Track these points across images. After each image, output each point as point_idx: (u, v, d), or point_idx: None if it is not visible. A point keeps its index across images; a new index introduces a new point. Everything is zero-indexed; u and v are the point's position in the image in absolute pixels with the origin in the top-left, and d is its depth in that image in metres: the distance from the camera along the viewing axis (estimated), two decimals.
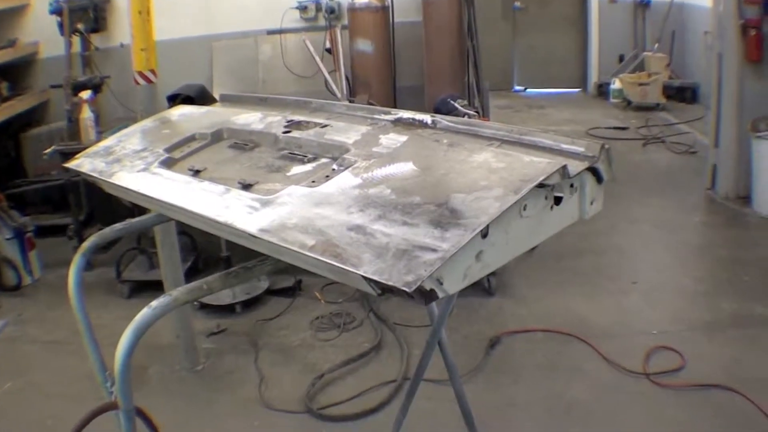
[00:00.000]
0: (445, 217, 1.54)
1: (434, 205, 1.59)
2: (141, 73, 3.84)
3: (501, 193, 1.60)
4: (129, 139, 2.56)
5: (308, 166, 2.04)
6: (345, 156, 1.97)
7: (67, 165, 2.52)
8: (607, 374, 3.87)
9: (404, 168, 1.81)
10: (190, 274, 4.81)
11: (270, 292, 4.98)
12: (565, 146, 1.81)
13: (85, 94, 5.75)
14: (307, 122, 2.31)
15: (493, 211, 1.54)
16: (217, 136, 2.41)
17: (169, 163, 2.27)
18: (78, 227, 5.63)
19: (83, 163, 2.46)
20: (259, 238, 1.66)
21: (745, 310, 4.40)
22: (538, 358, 4.12)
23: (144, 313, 1.76)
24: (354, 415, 3.63)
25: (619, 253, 5.47)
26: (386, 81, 6.56)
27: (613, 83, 10.64)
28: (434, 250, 1.44)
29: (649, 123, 9.20)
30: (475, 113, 5.22)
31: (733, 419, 3.39)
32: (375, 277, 1.41)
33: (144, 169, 2.24)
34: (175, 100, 5.01)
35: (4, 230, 5.33)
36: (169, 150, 2.35)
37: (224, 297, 4.76)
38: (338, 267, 1.47)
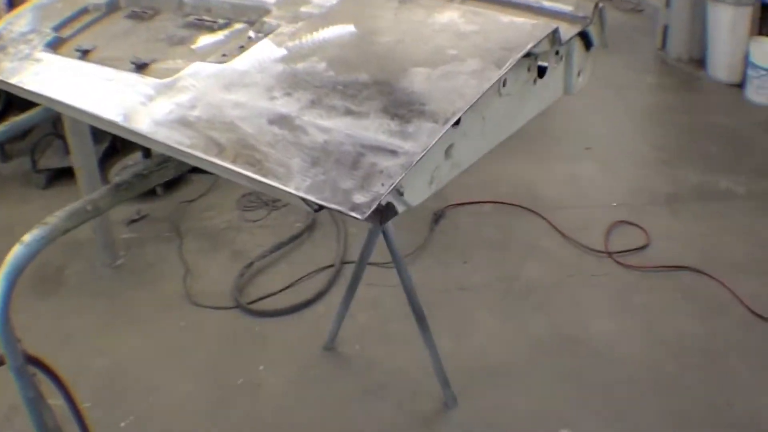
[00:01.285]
0: (404, 101, 1.11)
1: (387, 85, 1.15)
2: None
3: (478, 66, 1.18)
4: (18, 20, 2.11)
5: (219, 35, 1.60)
6: (264, 19, 1.52)
7: None
8: (566, 252, 3.55)
9: (343, 32, 1.37)
10: (107, 158, 4.36)
11: (194, 169, 4.45)
12: (548, 4, 1.39)
13: None
14: None
15: (470, 92, 1.12)
16: (112, 5, 1.97)
17: (55, 45, 1.85)
18: None
19: None
20: (151, 138, 1.23)
21: (708, 182, 4.10)
22: (488, 234, 3.76)
23: (16, 252, 1.36)
24: (289, 308, 3.27)
25: (568, 115, 5.00)
26: None
27: None
28: (393, 153, 1.02)
29: None
30: None
31: (705, 304, 3.13)
32: (311, 198, 0.99)
33: (27, 56, 1.81)
34: None
35: None
36: (57, 28, 1.92)
37: None
38: (257, 180, 1.05)
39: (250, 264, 3.53)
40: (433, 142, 1.02)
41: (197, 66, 1.39)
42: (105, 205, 1.42)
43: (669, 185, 4.10)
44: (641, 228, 3.67)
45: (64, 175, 4.37)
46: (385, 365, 2.93)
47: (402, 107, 1.09)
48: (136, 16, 1.88)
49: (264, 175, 1.03)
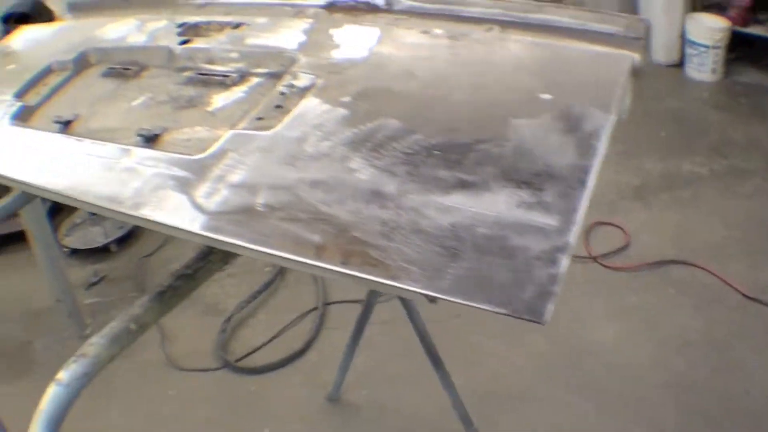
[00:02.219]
0: (522, 163, 0.95)
1: (493, 144, 0.98)
2: None
3: (582, 110, 1.02)
4: None
5: (237, 93, 1.35)
6: (293, 70, 1.29)
7: None
8: None
9: (402, 80, 1.17)
10: (52, 216, 3.82)
11: None
12: (596, 26, 1.25)
13: None
14: (208, 23, 1.58)
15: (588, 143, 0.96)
16: (82, 63, 1.69)
17: (23, 116, 1.55)
18: None
19: None
20: (215, 239, 1.00)
21: (671, 168, 4.04)
22: None
23: (54, 395, 1.09)
24: (281, 361, 3.04)
25: None
26: None
27: None
28: (542, 232, 0.85)
29: None
30: None
31: (699, 296, 3.07)
32: (470, 303, 0.81)
33: None
34: (7, 22, 3.97)
35: None
36: (20, 95, 1.63)
37: (95, 236, 4.01)
38: (385, 284, 0.86)
39: (229, 318, 3.28)
40: (580, 211, 0.87)
41: (235, 135, 1.16)
42: (151, 320, 1.19)
43: (634, 177, 4.03)
44: (618, 227, 3.57)
45: (8, 242, 3.95)
46: (397, 409, 2.74)
47: (523, 171, 0.92)
48: (117, 74, 1.60)
49: (396, 279, 0.84)
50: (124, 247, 4.03)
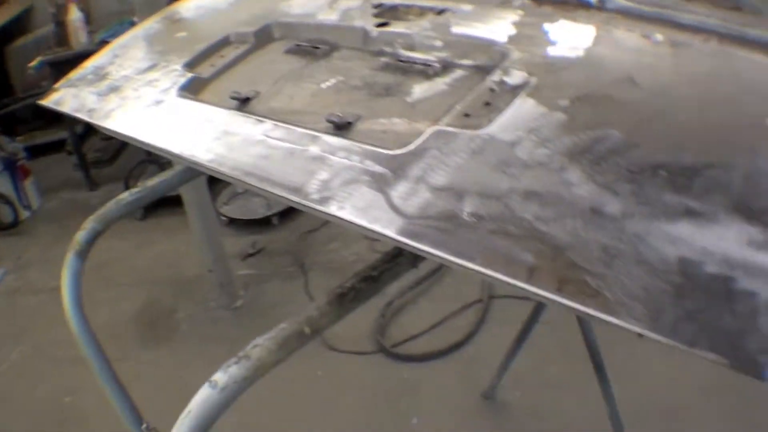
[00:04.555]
0: (754, 196, 0.85)
1: (725, 169, 0.89)
2: None
3: None
4: (128, 51, 1.78)
5: (438, 84, 1.27)
6: (505, 65, 1.19)
7: (43, 103, 1.74)
8: None
9: (623, 87, 1.06)
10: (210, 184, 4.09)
11: None
12: None
13: None
14: (408, 7, 1.50)
15: None
16: (264, 37, 1.62)
17: (194, 88, 1.50)
18: (76, 141, 4.88)
19: (65, 98, 1.70)
20: (417, 248, 0.95)
21: None
22: None
23: (206, 399, 1.02)
24: (438, 351, 3.03)
25: None
26: None
27: None
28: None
29: None
30: None
31: None
32: (686, 347, 0.73)
33: (158, 102, 1.47)
34: None
35: None
36: (191, 65, 1.58)
37: (256, 207, 4.08)
38: (596, 316, 0.81)
39: (390, 303, 3.30)
40: None
41: (438, 132, 1.08)
42: (327, 323, 1.13)
43: None
44: None
45: (162, 205, 4.00)
46: (550, 414, 2.68)
47: (754, 205, 0.84)
48: (304, 52, 1.52)
49: (615, 315, 0.77)
50: (286, 221, 4.04)
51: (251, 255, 3.90)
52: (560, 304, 0.81)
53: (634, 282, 0.79)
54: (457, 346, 3.04)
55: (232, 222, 4.11)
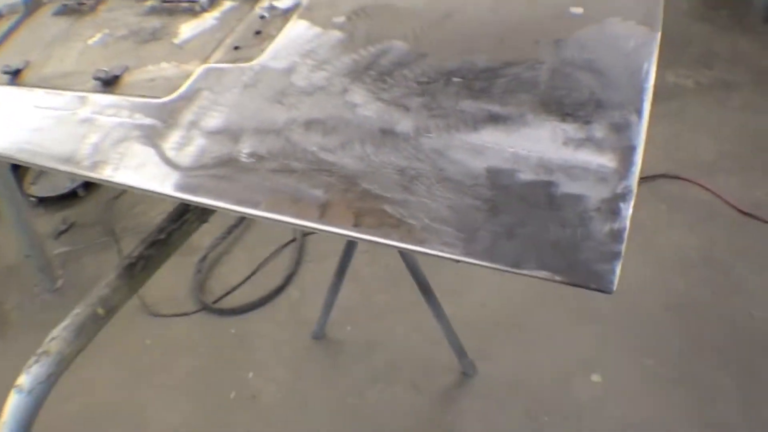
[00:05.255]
0: (562, 90, 0.77)
1: (524, 68, 0.80)
2: None
3: (624, 23, 0.85)
4: None
5: (207, 20, 1.16)
6: None
7: None
8: None
9: None
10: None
11: None
12: None
13: None
14: None
15: (638, 61, 0.80)
16: (34, 3, 1.50)
17: None
18: None
19: None
20: (194, 201, 0.83)
21: (656, 80, 3.91)
22: None
23: (16, 404, 0.94)
24: (260, 299, 2.89)
25: None
26: None
27: None
28: (596, 175, 0.69)
29: None
30: None
31: (692, 212, 2.96)
32: (517, 271, 0.65)
33: None
34: None
35: None
36: None
37: (64, 183, 3.79)
38: (411, 249, 0.70)
39: (204, 257, 3.12)
40: (639, 148, 0.71)
41: (208, 70, 0.97)
42: (121, 300, 1.03)
43: None
44: None
45: None
46: (385, 344, 2.63)
47: (565, 100, 0.75)
48: (70, 11, 1.41)
49: (424, 244, 0.67)
50: (92, 191, 3.84)
51: (63, 232, 3.65)
52: (361, 239, 0.69)
53: (440, 203, 0.69)
54: (278, 290, 2.92)
55: (42, 201, 3.80)
